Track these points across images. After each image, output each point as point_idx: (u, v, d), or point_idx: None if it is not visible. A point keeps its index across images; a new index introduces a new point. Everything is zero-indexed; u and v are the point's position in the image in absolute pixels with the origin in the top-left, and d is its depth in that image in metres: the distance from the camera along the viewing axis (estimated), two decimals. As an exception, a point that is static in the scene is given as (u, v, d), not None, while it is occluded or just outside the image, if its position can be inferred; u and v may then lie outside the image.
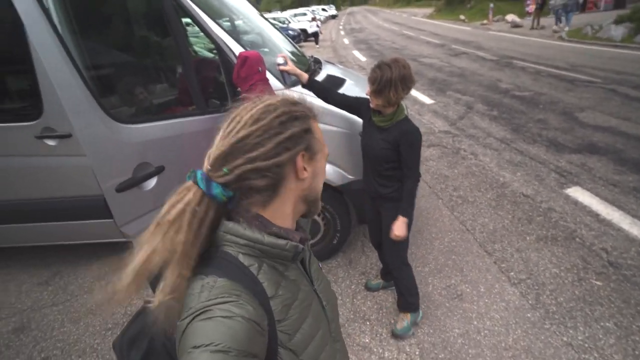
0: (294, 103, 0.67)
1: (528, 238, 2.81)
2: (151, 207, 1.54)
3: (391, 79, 1.62)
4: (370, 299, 2.34)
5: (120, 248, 1.66)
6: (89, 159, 1.31)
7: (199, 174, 0.59)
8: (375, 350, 2.00)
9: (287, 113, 0.64)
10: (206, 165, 0.60)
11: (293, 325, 0.65)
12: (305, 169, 0.66)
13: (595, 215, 3.00)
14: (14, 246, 2.69)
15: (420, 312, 2.14)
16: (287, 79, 1.98)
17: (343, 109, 2.06)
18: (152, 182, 1.52)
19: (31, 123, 2.07)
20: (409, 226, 1.83)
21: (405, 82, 1.65)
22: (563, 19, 13.58)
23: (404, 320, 2.08)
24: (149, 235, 0.59)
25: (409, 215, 1.80)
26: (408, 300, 2.06)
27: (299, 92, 2.20)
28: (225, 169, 0.59)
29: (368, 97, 1.78)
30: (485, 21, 19.67)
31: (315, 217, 2.45)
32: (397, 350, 1.99)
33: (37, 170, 2.19)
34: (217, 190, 0.59)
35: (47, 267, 2.84)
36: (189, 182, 0.60)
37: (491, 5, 20.31)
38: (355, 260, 2.69)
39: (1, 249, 2.78)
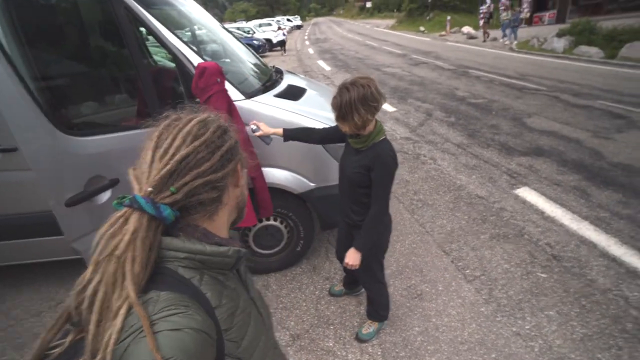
0: (218, 118, 0.70)
1: (482, 237, 2.98)
2: (104, 222, 1.49)
3: (350, 102, 1.50)
4: (334, 304, 2.38)
5: (70, 265, 1.59)
6: (35, 173, 1.25)
7: (141, 200, 0.56)
8: (339, 353, 2.03)
9: (220, 127, 0.66)
10: (145, 188, 0.58)
11: (238, 333, 0.65)
12: (242, 178, 0.71)
13: (541, 213, 3.23)
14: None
15: (387, 321, 2.19)
16: (266, 140, 1.98)
17: (330, 142, 2.00)
18: (105, 196, 1.47)
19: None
20: (377, 250, 1.84)
21: (367, 101, 1.50)
22: (508, 32, 14.68)
23: (371, 327, 2.12)
24: (89, 275, 0.55)
25: (362, 248, 1.72)
26: (379, 313, 2.10)
27: (259, 103, 2.24)
28: (172, 189, 0.59)
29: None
30: (443, 32, 20.70)
31: (278, 224, 2.47)
32: (360, 352, 2.03)
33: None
34: (167, 211, 0.58)
35: (-12, 291, 2.64)
36: (123, 210, 0.57)
37: (448, 17, 21.47)
38: (319, 267, 2.72)
39: None
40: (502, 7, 18.29)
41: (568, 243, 2.81)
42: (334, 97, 1.57)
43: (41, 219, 1.38)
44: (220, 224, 0.69)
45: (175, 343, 0.49)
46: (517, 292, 2.39)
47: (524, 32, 15.72)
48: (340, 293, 2.43)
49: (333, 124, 2.13)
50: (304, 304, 2.38)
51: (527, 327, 2.12)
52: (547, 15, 18.87)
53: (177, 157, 0.59)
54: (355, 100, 1.50)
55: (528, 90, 7.33)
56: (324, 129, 1.99)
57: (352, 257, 1.74)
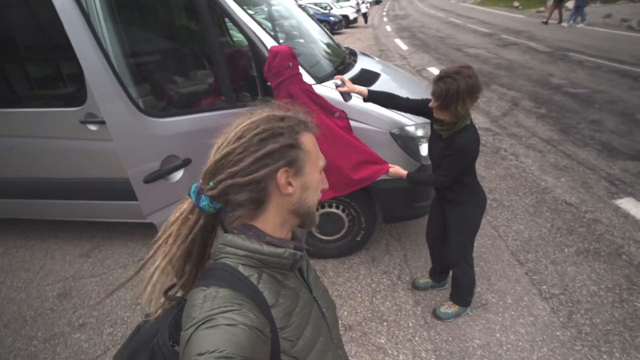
0: (281, 118, 0.67)
1: (567, 250, 2.62)
2: (177, 198, 1.60)
3: (458, 92, 1.49)
4: (390, 300, 2.31)
5: (153, 227, 1.74)
6: (117, 147, 1.37)
7: (193, 187, 0.64)
8: (390, 352, 1.98)
9: (268, 130, 0.64)
10: (201, 178, 0.65)
11: (295, 332, 0.66)
12: (290, 184, 0.66)
13: (648, 231, 2.73)
14: (63, 220, 2.93)
15: (469, 309, 2.17)
16: (346, 97, 1.94)
17: (411, 113, 2.02)
18: (178, 174, 1.57)
19: (76, 109, 2.22)
20: (469, 227, 1.90)
21: (473, 93, 1.53)
22: (571, 13, 12.75)
23: (451, 308, 2.13)
24: (161, 236, 0.66)
25: (410, 178, 1.84)
26: (463, 297, 2.11)
27: (330, 88, 2.17)
28: (211, 183, 0.63)
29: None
30: (542, 8, 18.13)
31: (340, 212, 2.44)
32: (413, 355, 1.96)
33: (79, 152, 2.35)
34: (204, 202, 0.63)
35: (89, 240, 3.08)
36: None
37: None
38: (378, 259, 2.66)
39: (52, 221, 3.03)
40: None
41: (681, 272, 2.34)
42: (436, 84, 1.56)
43: (129, 185, 1.52)
44: (270, 225, 0.68)
45: (230, 337, 0.52)
46: (605, 320, 2.07)
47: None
48: (425, 285, 2.36)
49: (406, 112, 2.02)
50: (359, 295, 2.35)
51: (613, 363, 1.84)
52: (685, -15, 15.42)
53: (219, 155, 0.63)
54: (464, 91, 1.49)
55: (647, 80, 6.14)
56: (411, 99, 1.93)
57: (396, 171, 1.86)
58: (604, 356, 1.87)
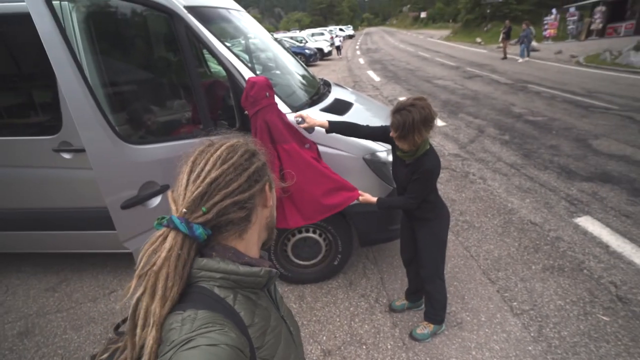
0: (247, 142, 0.74)
1: (534, 267, 2.76)
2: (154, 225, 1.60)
3: (413, 123, 1.63)
4: (368, 323, 2.32)
5: (125, 259, 1.71)
6: (96, 174, 1.38)
7: (176, 220, 0.61)
8: (369, 376, 1.98)
9: (248, 151, 0.71)
10: (180, 209, 0.63)
11: (270, 351, 0.67)
12: (271, 199, 0.75)
13: (605, 247, 2.92)
14: (28, 252, 2.79)
15: (444, 325, 2.21)
16: (309, 131, 2.11)
17: (373, 140, 2.16)
18: (156, 200, 1.58)
19: (50, 137, 2.20)
20: (438, 242, 2.00)
21: (428, 122, 1.66)
22: (520, 48, 14.13)
23: (426, 329, 2.18)
24: (134, 288, 0.61)
25: (380, 204, 1.92)
26: (437, 313, 2.15)
27: (305, 116, 2.27)
28: (203, 209, 0.63)
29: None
30: (501, 44, 19.70)
31: (317, 237, 2.47)
32: (392, 378, 1.96)
33: (52, 181, 2.31)
34: (199, 230, 0.62)
35: (55, 274, 2.93)
36: (162, 230, 0.62)
37: (531, 27, 20.40)
38: (355, 282, 2.68)
39: (15, 254, 2.89)
40: (571, 18, 17.07)
41: (638, 284, 2.51)
42: (394, 116, 1.69)
43: (105, 213, 1.51)
44: (250, 243, 0.73)
45: (212, 357, 0.51)
46: (572, 333, 2.17)
47: (593, 44, 14.51)
48: (402, 307, 2.40)
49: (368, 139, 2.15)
50: (338, 320, 2.35)
51: (581, 375, 1.91)
52: (623, 26, 17.25)
53: (208, 179, 0.64)
54: (418, 122, 1.63)
55: (596, 109, 6.72)
56: (371, 127, 2.06)
57: (366, 197, 1.96)
58: (573, 368, 1.95)
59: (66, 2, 1.70)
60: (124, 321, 0.67)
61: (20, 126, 2.39)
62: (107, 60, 2.03)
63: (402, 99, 1.76)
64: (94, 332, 2.34)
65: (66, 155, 2.23)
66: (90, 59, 1.87)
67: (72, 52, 1.29)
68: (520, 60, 14.05)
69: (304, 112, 2.10)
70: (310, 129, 2.09)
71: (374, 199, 1.94)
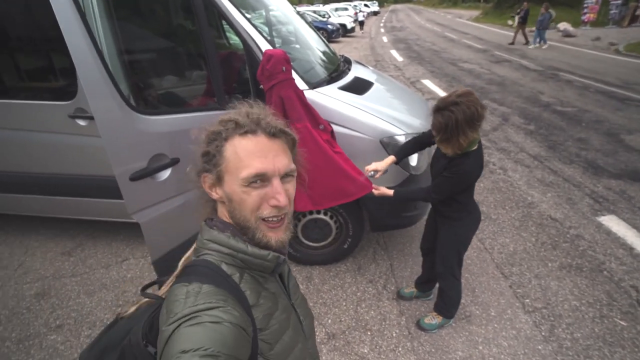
0: (225, 121, 0.65)
1: (550, 264, 2.66)
2: (163, 198, 1.57)
3: (457, 125, 1.43)
4: (375, 309, 2.30)
5: (139, 228, 1.70)
6: (105, 144, 1.35)
7: None
8: (372, 362, 1.97)
9: (214, 132, 0.66)
10: None
11: (273, 335, 0.65)
12: (215, 191, 0.68)
13: (629, 249, 2.78)
14: (46, 216, 2.86)
15: (452, 321, 2.17)
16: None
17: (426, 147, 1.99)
18: (166, 173, 1.55)
19: (66, 103, 2.19)
20: (458, 241, 1.87)
21: (474, 122, 1.44)
22: (534, 34, 13.05)
23: (435, 320, 2.12)
24: None
25: (397, 196, 1.81)
26: (448, 309, 2.10)
27: (322, 94, 2.18)
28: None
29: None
30: (533, 28, 18.65)
31: (328, 219, 2.43)
32: (395, 365, 1.95)
33: (67, 147, 2.32)
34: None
35: (71, 238, 3.01)
36: None
37: (551, 10, 19.24)
38: (364, 267, 2.65)
39: (34, 217, 2.96)
40: (614, 2, 15.99)
41: (660, 290, 2.39)
42: (435, 117, 1.50)
43: (115, 183, 1.50)
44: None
45: (215, 335, 0.51)
46: (585, 335, 2.09)
47: (637, 31, 13.53)
48: (410, 295, 2.36)
49: (396, 122, 2.04)
50: (344, 304, 2.34)
51: (592, 379, 1.85)
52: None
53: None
54: (462, 123, 1.43)
55: (632, 102, 6.32)
56: (419, 138, 1.93)
57: (384, 189, 1.82)
58: (584, 371, 1.89)
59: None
60: (151, 284, 0.71)
61: (37, 90, 2.39)
62: (123, 27, 1.97)
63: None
64: (106, 299, 2.40)
65: (81, 122, 2.22)
66: (106, 24, 1.81)
67: (82, 16, 1.23)
68: (531, 46, 13.06)
69: (373, 166, 1.90)
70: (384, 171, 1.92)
71: (390, 192, 1.81)
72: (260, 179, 0.62)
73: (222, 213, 0.69)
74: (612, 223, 3.09)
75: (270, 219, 0.65)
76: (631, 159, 4.23)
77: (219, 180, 0.66)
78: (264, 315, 0.64)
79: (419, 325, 2.14)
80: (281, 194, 0.63)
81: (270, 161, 0.63)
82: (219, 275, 0.61)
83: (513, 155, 4.47)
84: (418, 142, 1.95)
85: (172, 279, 0.67)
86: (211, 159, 0.65)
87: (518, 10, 14.68)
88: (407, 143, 1.99)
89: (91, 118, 2.19)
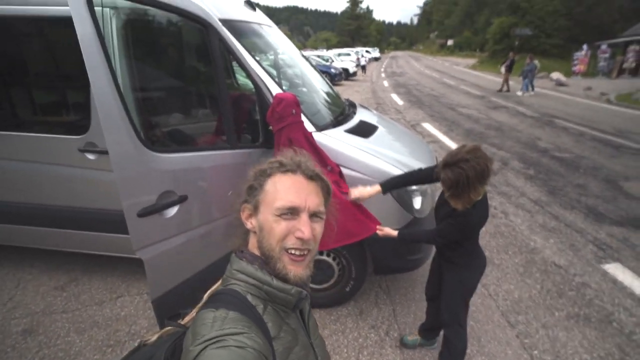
0: (272, 162, 0.76)
1: (557, 314, 2.58)
2: (168, 235, 1.57)
3: (468, 182, 1.44)
4: (377, 357, 2.20)
5: (136, 264, 1.67)
6: (116, 178, 1.37)
7: None
8: (375, 416, 1.85)
9: (260, 170, 0.76)
10: None
11: None
12: (250, 221, 0.75)
13: (638, 300, 2.72)
14: (42, 248, 2.81)
15: None
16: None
17: (428, 183, 1.99)
18: (173, 210, 1.55)
19: (77, 137, 2.24)
20: (463, 288, 1.84)
21: (484, 177, 1.46)
22: (523, 83, 13.68)
23: None
24: None
25: (402, 237, 1.84)
26: (452, 359, 1.97)
27: (329, 137, 2.24)
28: None
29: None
30: (503, 75, 19.49)
31: (330, 260, 2.39)
32: (399, 422, 1.82)
33: (75, 180, 2.34)
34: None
35: (66, 273, 2.94)
36: None
37: (535, 61, 20.21)
38: (366, 312, 2.57)
39: (29, 249, 2.91)
40: (602, 55, 16.85)
41: (673, 345, 2.30)
42: (445, 173, 1.51)
43: (121, 217, 1.50)
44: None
45: (239, 359, 0.53)
46: (599, 393, 1.99)
47: (625, 83, 14.15)
48: (414, 344, 2.25)
49: (402, 166, 2.08)
50: (345, 350, 2.24)
51: None
52: (657, 67, 16.85)
53: None
54: (473, 179, 1.44)
55: (627, 150, 6.47)
56: (422, 170, 1.94)
57: (388, 229, 1.85)
58: None
59: (107, 9, 1.74)
60: (175, 315, 0.74)
61: (50, 124, 2.45)
62: (141, 67, 2.06)
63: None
64: (97, 337, 2.29)
65: (90, 156, 2.26)
66: (125, 64, 1.90)
67: (107, 57, 1.30)
68: (520, 94, 13.62)
69: (357, 193, 1.96)
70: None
71: (394, 233, 1.82)
72: (292, 212, 0.70)
73: (253, 244, 0.75)
74: (618, 272, 3.04)
75: (294, 252, 0.70)
76: (631, 206, 4.26)
77: (255, 210, 0.73)
78: (284, 348, 0.66)
79: None
80: (307, 227, 0.69)
81: (303, 198, 0.71)
82: (244, 305, 0.64)
83: (514, 199, 4.49)
84: (409, 177, 1.96)
85: (195, 310, 0.70)
86: (253, 192, 0.74)
87: (504, 60, 15.42)
88: (397, 177, 2.00)
89: (100, 152, 2.24)
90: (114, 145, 1.36)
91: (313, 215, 0.72)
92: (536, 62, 13.58)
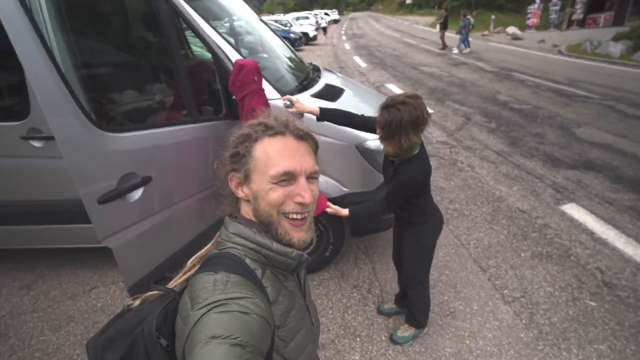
0: (254, 125, 0.70)
1: (523, 254, 2.78)
2: (135, 219, 1.48)
3: (401, 124, 1.43)
4: (362, 314, 2.29)
5: (107, 253, 1.57)
6: (68, 165, 1.24)
7: None
8: (364, 368, 1.94)
9: (243, 134, 0.70)
10: None
11: (289, 333, 0.67)
12: (241, 190, 0.71)
13: (590, 234, 2.97)
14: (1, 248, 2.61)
15: (426, 329, 2.12)
16: (296, 117, 1.91)
17: (368, 131, 1.93)
18: (137, 193, 1.45)
19: (17, 123, 2.02)
20: (421, 249, 1.83)
21: (417, 125, 1.45)
22: (458, 40, 13.78)
23: (407, 332, 2.08)
24: None
25: (352, 214, 1.70)
26: (416, 318, 2.05)
27: (295, 100, 2.16)
28: None
29: None
30: (486, 32, 19.78)
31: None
32: (387, 370, 1.93)
33: (22, 171, 2.13)
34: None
35: (30, 270, 2.76)
36: None
37: (492, 17, 20.41)
38: (347, 273, 2.64)
39: (-16, 250, 2.70)
40: (553, 8, 17.23)
41: (622, 270, 2.56)
42: (381, 114, 1.51)
43: (80, 206, 1.39)
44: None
45: (244, 325, 0.51)
46: (561, 319, 2.19)
47: (574, 34, 14.72)
48: (390, 311, 2.27)
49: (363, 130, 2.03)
50: (330, 312, 2.31)
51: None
52: (602, 17, 17.60)
53: None
54: (407, 123, 1.44)
55: (578, 98, 6.83)
56: (367, 117, 1.89)
57: (336, 209, 1.70)
58: (564, 353, 1.97)
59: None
60: (160, 279, 0.70)
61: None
62: (79, 41, 1.85)
63: (389, 85, 1.62)
64: (74, 332, 2.21)
65: (36, 143, 2.06)
66: (61, 38, 1.69)
67: (37, 30, 1.14)
68: (456, 51, 13.64)
69: (294, 97, 1.97)
70: (299, 115, 1.93)
71: (345, 212, 1.70)
72: (288, 177, 0.66)
73: (246, 212, 0.72)
74: (574, 210, 3.29)
75: (293, 216, 0.67)
76: (583, 149, 4.55)
77: (246, 179, 0.69)
78: (282, 312, 0.65)
79: (392, 339, 2.07)
80: (307, 191, 0.66)
81: (298, 161, 0.67)
82: (243, 269, 0.62)
83: (478, 152, 4.66)
84: (350, 117, 1.91)
85: (180, 274, 0.68)
86: (240, 159, 0.69)
87: (440, 18, 15.37)
88: (339, 110, 1.95)
89: (47, 139, 2.04)
90: (60, 129, 1.23)
91: (309, 177, 0.69)
92: (470, 17, 13.56)
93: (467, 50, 13.54)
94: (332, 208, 1.71)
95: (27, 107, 1.98)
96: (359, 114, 1.95)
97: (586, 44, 12.12)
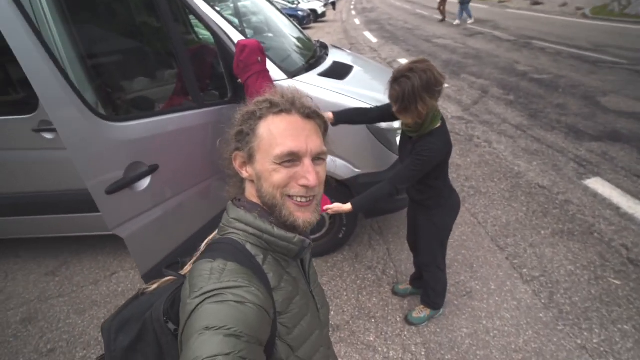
0: (259, 102, 0.66)
1: (543, 232, 2.69)
2: (144, 208, 1.48)
3: (413, 91, 1.35)
4: (376, 295, 2.28)
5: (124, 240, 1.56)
6: (72, 158, 1.24)
7: None
8: (380, 349, 1.95)
9: (248, 112, 0.67)
10: None
11: (292, 319, 0.65)
12: (245, 169, 0.68)
13: (616, 209, 2.84)
14: (24, 237, 2.71)
15: (442, 310, 2.11)
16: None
17: (385, 121, 1.84)
18: (145, 182, 1.45)
19: (28, 116, 2.04)
20: (438, 231, 1.77)
21: (431, 87, 1.37)
22: (458, 10, 12.89)
23: (422, 312, 2.07)
24: None
25: (356, 206, 1.56)
26: (433, 300, 2.03)
27: (302, 83, 2.10)
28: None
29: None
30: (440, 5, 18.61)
31: (320, 210, 2.37)
32: (403, 350, 1.94)
33: (36, 163, 2.17)
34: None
35: (54, 258, 2.87)
36: None
37: None
38: (361, 255, 2.62)
39: (11, 240, 2.80)
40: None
41: (649, 246, 2.45)
42: (392, 88, 1.43)
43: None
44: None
45: (239, 315, 0.50)
46: (583, 298, 2.13)
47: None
48: (405, 292, 2.26)
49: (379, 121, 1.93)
50: (345, 294, 2.31)
51: (595, 340, 1.89)
52: (632, -27, 16.30)
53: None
54: (419, 88, 1.35)
55: (604, 64, 6.44)
56: (378, 108, 1.81)
57: (338, 206, 1.56)
58: (585, 333, 1.93)
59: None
60: (173, 264, 0.71)
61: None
62: (80, 30, 1.81)
63: (401, 60, 1.51)
64: (98, 315, 2.30)
65: (47, 135, 2.07)
66: (60, 26, 1.66)
67: (29, 22, 1.11)
68: (457, 22, 12.84)
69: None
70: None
71: (347, 207, 1.56)
72: (292, 158, 0.63)
73: (251, 193, 0.70)
74: (598, 185, 3.15)
75: (299, 199, 0.65)
76: (609, 120, 4.32)
77: (250, 159, 0.66)
78: (284, 299, 0.64)
79: (408, 320, 2.06)
80: (311, 173, 0.63)
81: (303, 141, 0.63)
82: (243, 255, 0.61)
83: (496, 127, 4.49)
84: (366, 113, 1.81)
85: (193, 259, 0.66)
86: (244, 138, 0.66)
87: None
88: (352, 110, 1.85)
89: (51, 130, 2.05)
90: (63, 122, 1.22)
91: (315, 158, 0.65)
92: None
93: (471, 21, 12.80)
94: (332, 209, 1.57)
95: (35, 100, 1.98)
96: (372, 107, 1.83)
97: (614, 4, 11.33)
